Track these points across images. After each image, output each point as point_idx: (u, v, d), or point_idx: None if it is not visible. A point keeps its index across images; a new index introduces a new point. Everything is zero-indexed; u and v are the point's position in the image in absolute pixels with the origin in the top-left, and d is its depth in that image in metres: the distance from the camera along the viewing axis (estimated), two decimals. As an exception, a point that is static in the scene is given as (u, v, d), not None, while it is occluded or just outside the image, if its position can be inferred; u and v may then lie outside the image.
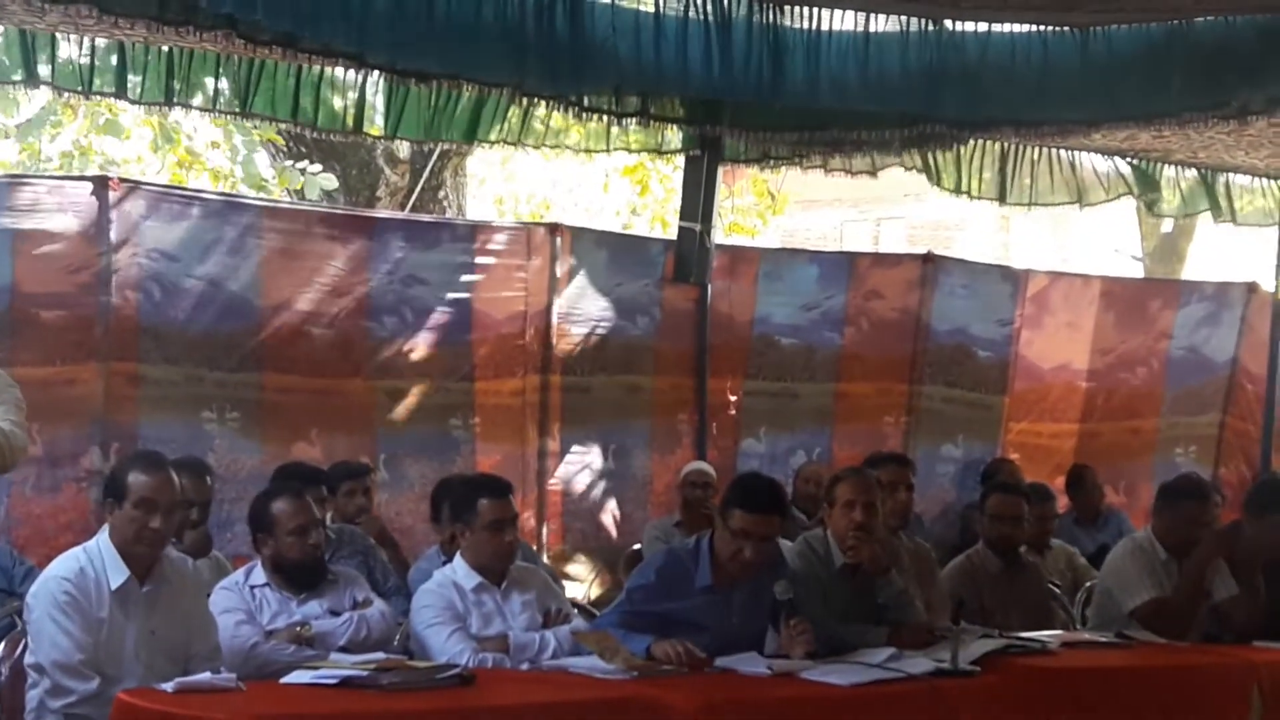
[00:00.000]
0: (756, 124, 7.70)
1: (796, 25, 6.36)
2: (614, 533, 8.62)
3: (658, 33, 6.22)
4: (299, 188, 10.30)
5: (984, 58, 6.61)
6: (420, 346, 8.05)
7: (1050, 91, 6.76)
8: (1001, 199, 9.08)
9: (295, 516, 5.36)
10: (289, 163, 10.43)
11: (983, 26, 6.56)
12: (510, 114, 7.91)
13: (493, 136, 8.03)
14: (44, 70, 7.11)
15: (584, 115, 7.25)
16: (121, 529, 4.85)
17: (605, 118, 7.54)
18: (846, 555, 5.70)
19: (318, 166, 10.20)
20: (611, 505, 8.63)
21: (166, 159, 12.31)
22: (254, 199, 9.40)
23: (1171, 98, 6.80)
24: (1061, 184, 9.14)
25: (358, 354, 7.91)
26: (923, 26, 6.44)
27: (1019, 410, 9.91)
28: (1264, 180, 9.52)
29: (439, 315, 8.09)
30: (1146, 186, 9.34)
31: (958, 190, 8.94)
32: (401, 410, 8.02)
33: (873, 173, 8.79)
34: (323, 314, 7.79)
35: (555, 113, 7.64)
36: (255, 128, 9.75)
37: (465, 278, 8.17)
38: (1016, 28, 6.59)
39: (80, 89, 7.27)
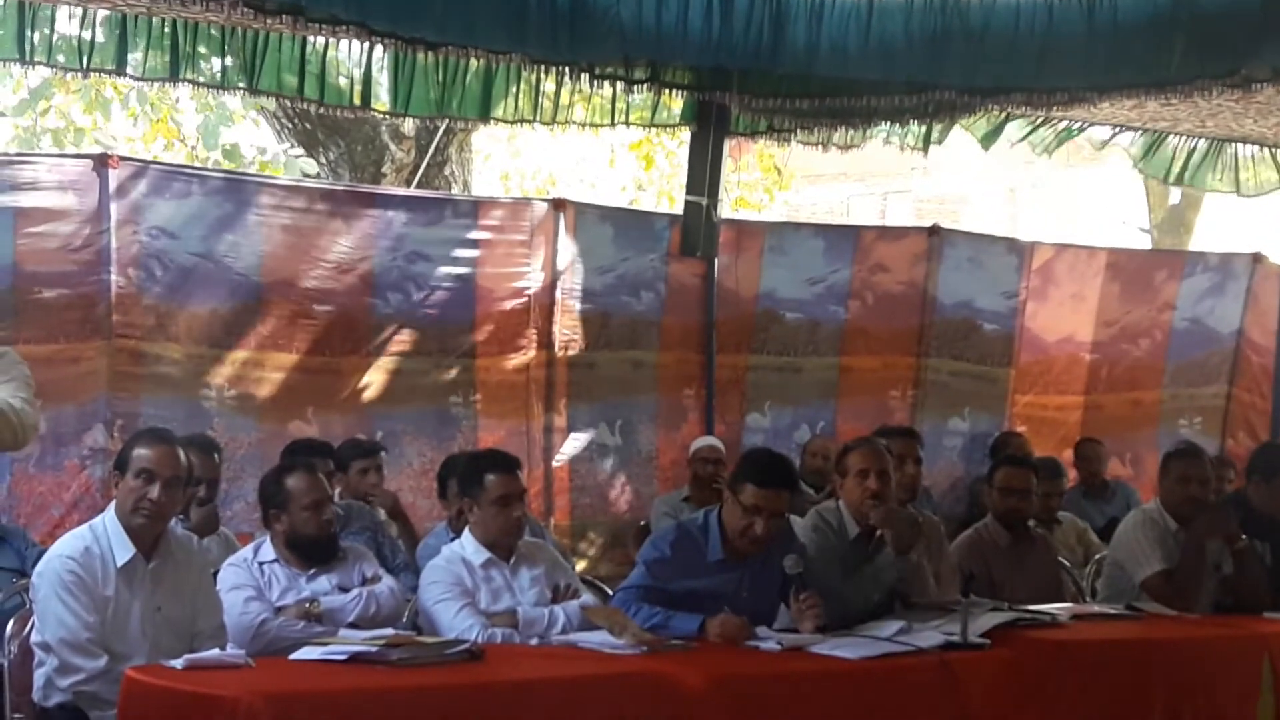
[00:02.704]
0: (762, 91, 7.66)
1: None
2: (620, 508, 8.61)
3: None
4: (278, 172, 10.30)
5: (988, 24, 6.54)
6: (422, 323, 8.03)
7: (1054, 58, 6.70)
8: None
9: (310, 492, 5.38)
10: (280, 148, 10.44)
11: (988, -8, 6.51)
12: (517, 89, 7.87)
13: (500, 112, 7.99)
14: (41, 47, 7.06)
15: (593, 83, 7.21)
16: (122, 500, 4.87)
17: (612, 89, 7.50)
18: (872, 521, 5.68)
19: (300, 150, 10.18)
20: (618, 481, 8.61)
21: (156, 142, 12.31)
22: (255, 176, 9.36)
23: (1177, 65, 6.74)
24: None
25: (359, 331, 7.88)
26: (929, -8, 6.39)
27: (1024, 383, 9.89)
28: (1271, 149, 9.47)
29: (441, 291, 8.06)
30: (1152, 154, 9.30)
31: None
32: (400, 387, 7.99)
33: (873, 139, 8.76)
34: (325, 291, 7.77)
35: (562, 84, 7.60)
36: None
37: (468, 254, 8.13)
38: (1021, -7, 6.54)
39: (79, 67, 7.22)
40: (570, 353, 8.44)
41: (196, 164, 11.27)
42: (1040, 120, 8.82)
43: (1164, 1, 6.54)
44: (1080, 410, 10.06)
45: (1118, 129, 9.14)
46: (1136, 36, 6.61)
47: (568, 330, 8.43)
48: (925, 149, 8.85)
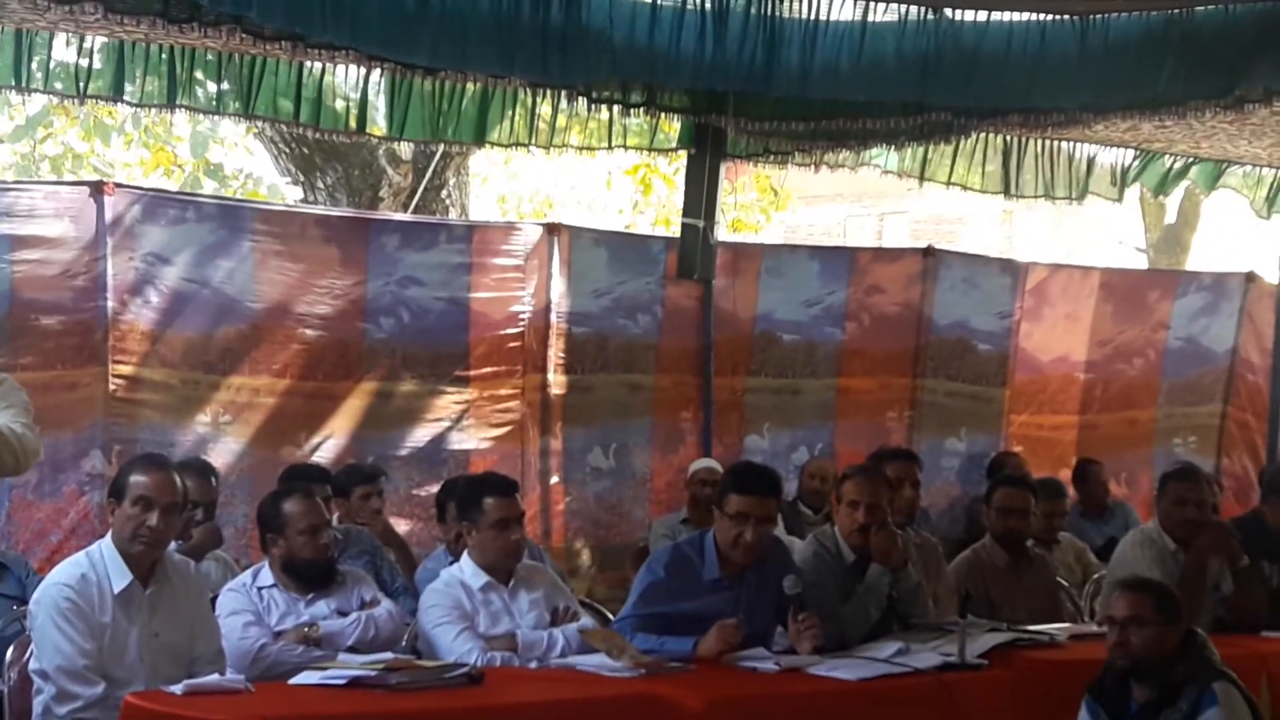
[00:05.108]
0: (758, 115, 7.69)
1: (794, 15, 6.33)
2: (617, 531, 8.60)
3: (653, 22, 6.18)
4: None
5: (980, 46, 6.57)
6: (416, 348, 8.02)
7: (1047, 79, 6.72)
8: (1005, 192, 9.09)
9: (306, 516, 5.39)
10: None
11: (981, 15, 6.53)
12: (513, 113, 7.89)
13: (496, 136, 8.01)
14: (38, 74, 7.09)
15: (590, 106, 7.23)
16: (120, 528, 4.85)
17: (608, 113, 7.51)
18: (854, 551, 5.72)
19: (288, 177, 10.24)
20: (613, 504, 8.60)
21: (156, 170, 12.35)
22: (249, 202, 9.35)
23: (1169, 86, 6.77)
24: (1063, 178, 9.15)
25: (353, 356, 7.87)
26: (921, 15, 6.40)
27: (1019, 403, 9.90)
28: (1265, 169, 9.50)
29: (435, 316, 8.06)
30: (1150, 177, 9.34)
31: (956, 183, 8.95)
32: (394, 412, 7.98)
33: (866, 165, 8.81)
34: (318, 316, 7.76)
35: (558, 108, 7.61)
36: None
37: (462, 278, 8.13)
38: (1016, 16, 6.56)
39: (76, 93, 7.24)
40: (566, 376, 8.44)
41: (188, 189, 11.30)
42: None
43: (1156, 22, 6.56)
44: (1075, 430, 10.07)
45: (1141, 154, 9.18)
46: (1129, 57, 6.63)
47: (563, 354, 8.43)
48: (921, 178, 8.90)
